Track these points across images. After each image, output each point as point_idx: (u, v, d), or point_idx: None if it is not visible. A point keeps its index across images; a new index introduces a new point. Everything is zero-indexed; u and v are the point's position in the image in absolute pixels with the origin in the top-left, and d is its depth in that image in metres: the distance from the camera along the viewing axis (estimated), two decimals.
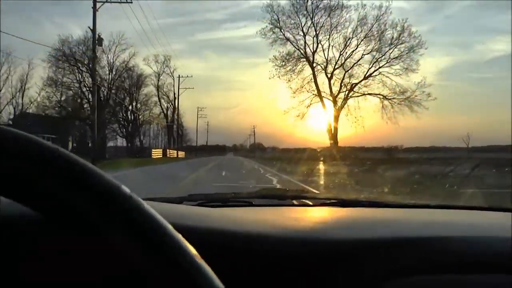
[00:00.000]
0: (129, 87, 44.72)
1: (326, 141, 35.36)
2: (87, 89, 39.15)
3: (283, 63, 33.32)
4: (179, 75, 51.06)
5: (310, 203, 1.22)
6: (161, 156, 39.63)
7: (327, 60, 33.80)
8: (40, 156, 0.32)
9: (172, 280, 0.32)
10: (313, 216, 0.99)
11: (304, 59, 33.80)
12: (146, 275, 0.32)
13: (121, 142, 45.44)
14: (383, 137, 59.05)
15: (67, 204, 0.33)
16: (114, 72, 41.93)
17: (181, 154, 50.73)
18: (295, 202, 1.23)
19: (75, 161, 0.34)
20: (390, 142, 41.41)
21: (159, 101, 50.43)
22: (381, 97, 32.72)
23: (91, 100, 39.28)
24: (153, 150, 40.63)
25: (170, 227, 0.34)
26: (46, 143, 0.33)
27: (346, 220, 0.92)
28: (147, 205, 0.34)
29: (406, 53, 31.68)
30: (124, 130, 45.27)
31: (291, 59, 33.54)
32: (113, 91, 42.17)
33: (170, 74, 51.96)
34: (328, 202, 1.20)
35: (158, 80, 50.16)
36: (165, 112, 52.44)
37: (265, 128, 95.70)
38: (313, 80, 33.38)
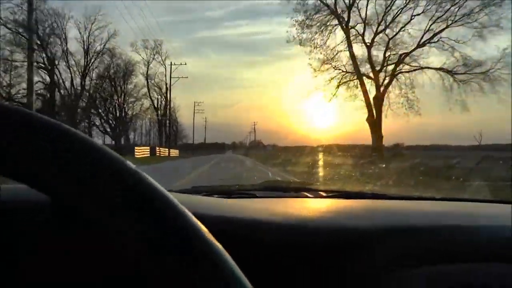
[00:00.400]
0: (113, 76, 40.42)
1: (329, 140, 31.61)
2: (41, 66, 31.47)
3: (308, 20, 24.20)
4: (171, 62, 46.16)
5: (314, 195, 1.26)
6: (149, 155, 36.41)
7: (364, 22, 23.99)
8: (45, 133, 0.33)
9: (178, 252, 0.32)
10: (317, 207, 1.02)
11: (334, 18, 24.02)
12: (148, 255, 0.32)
13: (109, 139, 41.73)
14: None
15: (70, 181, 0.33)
16: (90, 55, 37.27)
17: (175, 152, 46.75)
18: (298, 194, 1.27)
19: (78, 137, 0.34)
20: (390, 140, 38.70)
21: (148, 91, 46.17)
22: (445, 72, 23.43)
23: (47, 81, 32.56)
24: (136, 148, 35.63)
25: (181, 206, 0.34)
26: (47, 119, 0.34)
27: (350, 210, 0.96)
28: (151, 179, 0.35)
29: (483, 8, 21.13)
30: (107, 125, 41.28)
31: (317, 17, 24.21)
32: (94, 80, 38.68)
33: (162, 62, 47.50)
34: (332, 194, 1.24)
35: (148, 69, 45.98)
36: (155, 105, 48.50)
37: (265, 125, 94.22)
38: (347, 48, 24.10)
